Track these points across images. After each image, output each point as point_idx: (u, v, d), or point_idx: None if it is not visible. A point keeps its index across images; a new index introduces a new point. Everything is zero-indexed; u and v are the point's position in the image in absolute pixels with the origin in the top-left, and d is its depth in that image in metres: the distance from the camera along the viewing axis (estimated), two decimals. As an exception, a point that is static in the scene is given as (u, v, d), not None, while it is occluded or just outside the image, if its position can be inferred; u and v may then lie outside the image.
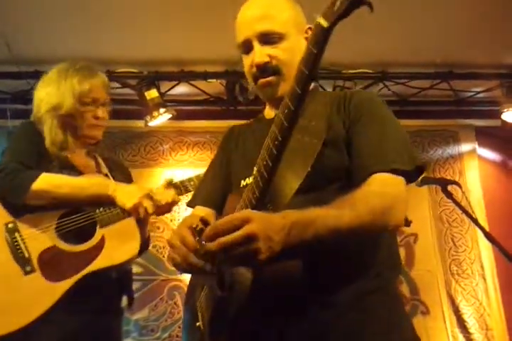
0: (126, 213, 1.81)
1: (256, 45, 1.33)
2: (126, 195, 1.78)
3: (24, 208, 1.77)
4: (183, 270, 1.14)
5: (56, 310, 1.66)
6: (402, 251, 4.00)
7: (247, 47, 1.35)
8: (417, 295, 3.91)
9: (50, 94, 1.94)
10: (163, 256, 3.65)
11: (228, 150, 1.50)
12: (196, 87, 3.83)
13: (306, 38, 1.37)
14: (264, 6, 1.36)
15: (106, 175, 1.98)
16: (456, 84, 4.01)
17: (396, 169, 1.19)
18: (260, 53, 1.33)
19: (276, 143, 1.07)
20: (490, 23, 3.32)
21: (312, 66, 1.03)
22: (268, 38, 1.33)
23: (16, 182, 1.73)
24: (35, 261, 1.71)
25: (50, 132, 1.90)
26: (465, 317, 3.81)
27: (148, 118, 3.66)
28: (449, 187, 2.74)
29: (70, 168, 1.89)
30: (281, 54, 1.33)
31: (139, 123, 3.80)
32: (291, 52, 1.34)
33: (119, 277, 1.84)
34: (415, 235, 3.99)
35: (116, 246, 1.76)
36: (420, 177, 2.70)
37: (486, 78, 3.94)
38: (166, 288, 3.64)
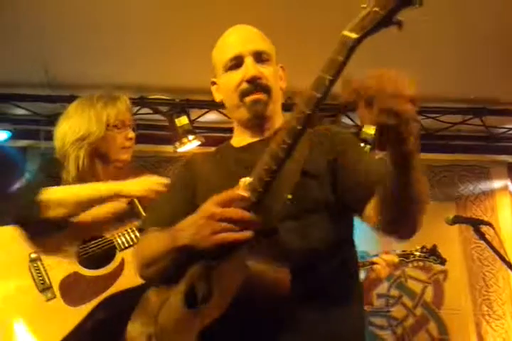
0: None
1: (249, 60, 1.34)
2: (135, 183, 1.80)
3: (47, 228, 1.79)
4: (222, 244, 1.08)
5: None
6: (430, 289, 3.93)
7: (236, 63, 1.35)
8: (446, 335, 3.81)
9: (73, 125, 1.92)
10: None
11: (191, 175, 1.45)
12: (226, 115, 3.87)
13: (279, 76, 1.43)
14: (253, 31, 1.42)
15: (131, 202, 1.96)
16: (488, 120, 3.97)
17: None
18: (255, 67, 1.34)
19: (272, 167, 1.08)
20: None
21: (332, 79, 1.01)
22: (260, 57, 1.36)
23: (22, 201, 1.78)
24: (56, 288, 1.75)
25: (77, 162, 1.87)
26: (495, 360, 3.68)
27: (177, 144, 3.72)
28: (482, 228, 2.67)
29: None
30: (270, 75, 1.36)
31: (169, 148, 3.85)
32: (275, 76, 1.39)
33: None
34: (445, 272, 3.90)
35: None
36: (452, 216, 2.69)
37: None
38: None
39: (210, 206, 1.10)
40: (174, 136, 3.72)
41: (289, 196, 1.21)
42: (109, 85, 3.48)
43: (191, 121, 3.75)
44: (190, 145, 3.71)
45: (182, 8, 2.92)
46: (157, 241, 1.27)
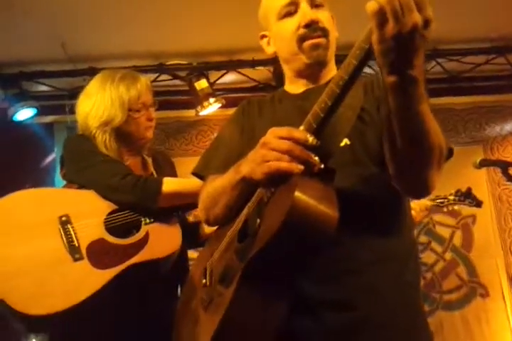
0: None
1: (305, 5, 1.32)
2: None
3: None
4: (271, 173, 1.06)
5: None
6: (459, 234, 3.95)
7: (290, 9, 1.33)
8: (476, 277, 3.86)
9: (96, 106, 1.93)
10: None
11: (248, 120, 1.43)
12: (244, 75, 3.87)
13: None
14: None
15: (152, 174, 2.03)
16: (512, 58, 3.87)
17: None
18: (311, 12, 1.31)
19: (328, 103, 1.04)
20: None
21: None
22: (316, 2, 1.33)
23: (148, 189, 1.83)
24: (83, 250, 1.81)
25: (105, 146, 1.92)
26: (526, 298, 3.74)
27: (199, 108, 3.75)
28: (510, 170, 2.66)
29: None
30: (326, 19, 1.33)
31: (190, 113, 3.88)
32: (331, 21, 1.36)
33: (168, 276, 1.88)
34: (473, 216, 3.91)
35: (158, 241, 1.84)
36: (479, 160, 2.68)
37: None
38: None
39: (267, 136, 1.10)
40: (195, 99, 3.75)
41: (347, 141, 1.22)
42: (126, 54, 3.55)
43: (211, 84, 3.76)
44: (212, 107, 3.73)
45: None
46: (222, 180, 1.27)
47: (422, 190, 1.18)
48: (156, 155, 2.14)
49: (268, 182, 1.10)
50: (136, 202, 1.84)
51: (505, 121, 4.12)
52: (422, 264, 3.86)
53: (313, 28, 1.30)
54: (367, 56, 0.96)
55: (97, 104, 1.93)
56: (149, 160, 2.08)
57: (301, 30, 1.31)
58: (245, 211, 1.20)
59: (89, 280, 1.76)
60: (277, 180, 1.08)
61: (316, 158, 1.04)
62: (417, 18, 0.87)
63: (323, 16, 1.33)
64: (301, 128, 1.09)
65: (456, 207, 2.80)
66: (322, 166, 1.05)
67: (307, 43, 1.31)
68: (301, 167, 1.03)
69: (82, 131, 1.98)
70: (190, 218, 2.00)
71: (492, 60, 3.86)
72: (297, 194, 1.02)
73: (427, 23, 0.88)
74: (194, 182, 1.70)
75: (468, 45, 3.78)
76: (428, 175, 1.12)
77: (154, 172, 2.05)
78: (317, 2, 1.33)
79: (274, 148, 1.06)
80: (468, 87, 4.08)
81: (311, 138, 1.05)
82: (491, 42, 3.76)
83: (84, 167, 1.93)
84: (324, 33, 1.31)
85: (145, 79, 2.01)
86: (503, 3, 3.27)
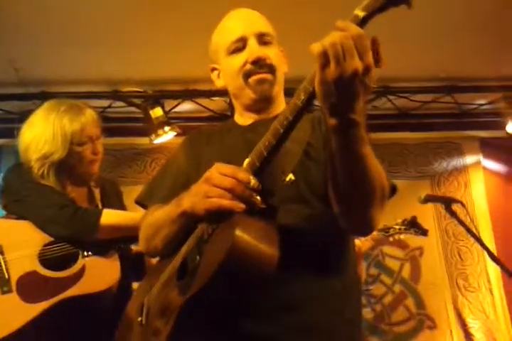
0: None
1: (253, 42, 1.33)
2: None
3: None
4: (213, 210, 1.06)
5: None
6: (407, 265, 4.01)
7: (239, 45, 1.34)
8: (424, 309, 3.91)
9: (37, 139, 1.87)
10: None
11: (195, 149, 1.43)
12: (200, 105, 3.88)
13: None
14: (255, 14, 1.41)
15: (96, 207, 1.98)
16: (459, 97, 4.04)
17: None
18: (259, 49, 1.33)
19: (272, 142, 1.07)
20: (491, 36, 3.34)
21: None
22: (264, 39, 1.35)
23: (85, 222, 1.80)
24: (13, 283, 1.77)
25: (43, 178, 1.88)
26: (472, 331, 3.81)
27: (153, 136, 3.72)
28: (453, 206, 2.74)
29: None
30: (274, 56, 1.35)
31: (145, 140, 3.85)
32: (279, 58, 1.38)
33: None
34: (421, 249, 3.99)
35: (95, 275, 1.80)
36: (423, 195, 2.75)
37: (489, 90, 3.97)
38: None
39: (211, 171, 1.10)
40: (150, 127, 3.73)
41: (292, 176, 1.21)
42: (81, 80, 3.51)
43: (166, 112, 3.75)
44: (167, 136, 3.71)
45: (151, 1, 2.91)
46: (163, 211, 1.26)
47: (364, 228, 1.19)
48: (105, 185, 2.09)
49: (209, 218, 1.10)
50: (72, 235, 1.80)
51: (451, 157, 4.28)
52: (372, 296, 3.91)
53: (259, 64, 1.32)
54: (311, 97, 0.99)
55: (38, 136, 1.87)
56: (96, 192, 2.03)
57: (248, 66, 1.33)
58: (185, 247, 1.19)
59: (16, 314, 1.73)
60: (218, 216, 1.08)
61: (258, 198, 1.05)
62: (357, 64, 0.91)
63: (271, 53, 1.35)
64: (246, 162, 1.10)
65: (402, 236, 2.85)
66: (263, 206, 1.06)
67: (253, 78, 1.33)
68: (243, 206, 1.04)
69: (22, 161, 1.93)
70: (135, 249, 1.95)
71: (439, 98, 4.02)
72: (238, 233, 1.03)
73: (367, 69, 0.92)
74: (136, 215, 1.69)
75: (418, 83, 3.93)
76: (370, 214, 1.13)
77: (100, 205, 2.01)
78: (265, 39, 1.35)
79: (216, 185, 1.06)
80: (416, 123, 4.23)
81: (253, 181, 1.06)
82: (439, 82, 3.93)
83: (21, 198, 1.89)
84: (271, 69, 1.33)
85: (91, 112, 1.96)
86: (452, 46, 3.43)
